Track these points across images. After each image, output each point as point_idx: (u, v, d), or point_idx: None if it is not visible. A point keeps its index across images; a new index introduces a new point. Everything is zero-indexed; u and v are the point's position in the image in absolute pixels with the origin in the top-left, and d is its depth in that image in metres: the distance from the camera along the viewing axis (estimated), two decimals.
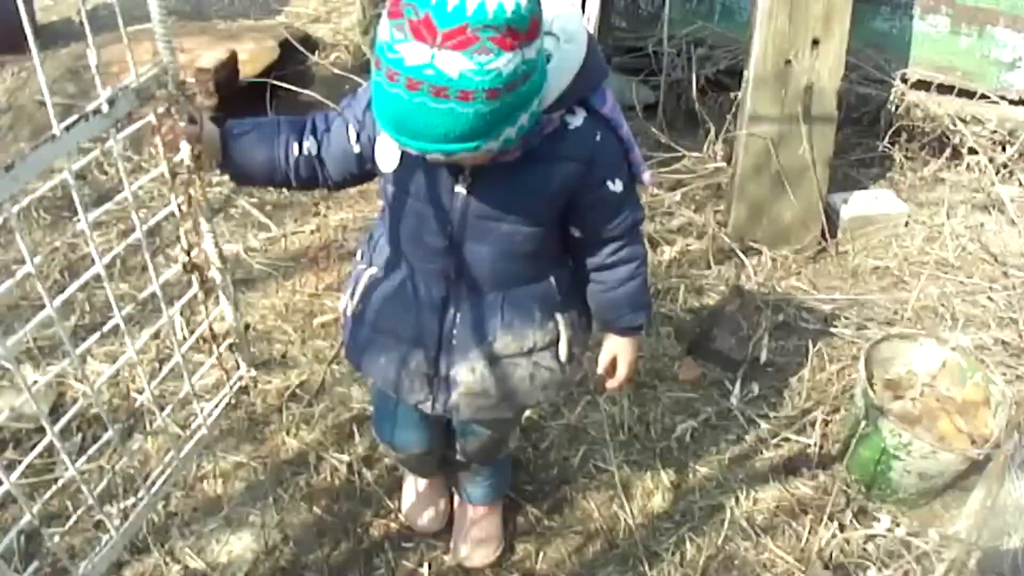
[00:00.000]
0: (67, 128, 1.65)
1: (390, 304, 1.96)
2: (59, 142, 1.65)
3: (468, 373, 1.95)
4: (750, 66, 3.57)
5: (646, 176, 1.87)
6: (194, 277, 2.14)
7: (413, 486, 2.59)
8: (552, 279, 1.93)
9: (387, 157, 1.77)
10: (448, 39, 1.37)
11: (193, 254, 2.06)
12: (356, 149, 1.84)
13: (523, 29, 1.40)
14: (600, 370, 2.11)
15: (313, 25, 5.40)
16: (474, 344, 1.92)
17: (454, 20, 1.36)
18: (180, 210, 1.99)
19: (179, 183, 1.94)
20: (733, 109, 3.86)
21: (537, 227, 1.79)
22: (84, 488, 2.00)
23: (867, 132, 4.47)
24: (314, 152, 1.87)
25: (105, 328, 1.98)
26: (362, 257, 2.07)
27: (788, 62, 3.50)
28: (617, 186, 1.79)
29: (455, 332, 1.92)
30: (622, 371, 2.09)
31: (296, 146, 1.86)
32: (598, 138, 1.74)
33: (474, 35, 1.36)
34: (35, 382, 2.84)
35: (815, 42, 3.50)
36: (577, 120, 1.72)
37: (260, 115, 1.95)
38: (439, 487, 2.62)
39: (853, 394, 2.87)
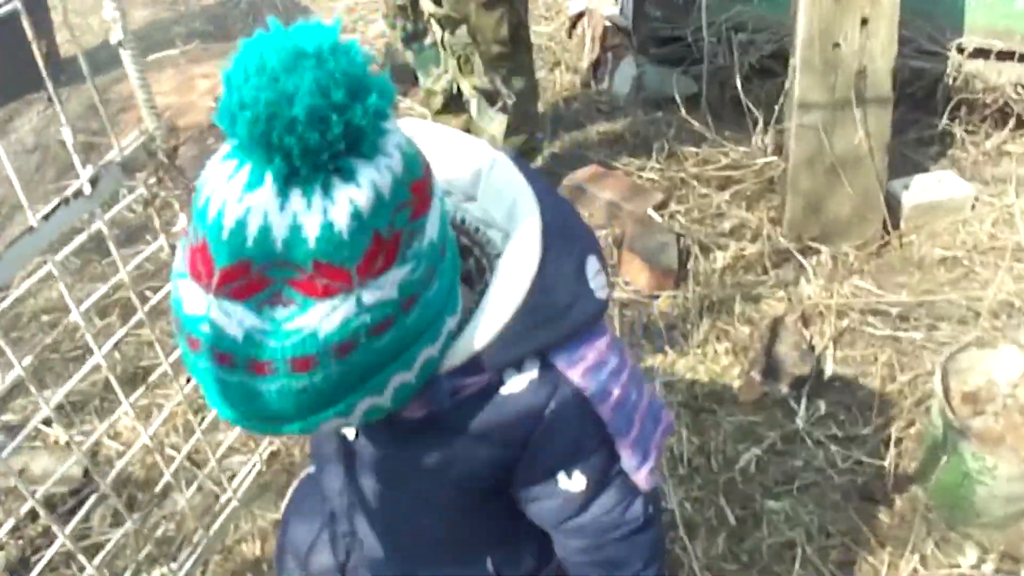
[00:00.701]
0: (45, 217, 1.53)
1: (302, 529, 1.61)
2: (38, 233, 1.52)
3: None
4: (796, 53, 3.36)
5: (642, 475, 1.24)
6: None
7: None
8: (489, 563, 1.39)
9: None
10: (226, 281, 0.87)
11: None
12: None
13: (352, 261, 0.88)
14: None
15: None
16: None
17: (232, 252, 0.86)
18: None
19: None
20: (781, 97, 3.65)
21: (436, 508, 1.29)
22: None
23: (923, 108, 4.20)
24: None
25: (116, 413, 1.88)
26: None
27: (837, 45, 3.29)
28: (575, 483, 1.21)
29: None
30: None
31: None
32: (549, 411, 1.13)
33: (261, 276, 0.86)
34: (71, 439, 2.77)
35: (864, 21, 3.28)
36: (519, 382, 1.11)
37: None
38: None
39: (929, 407, 2.66)
